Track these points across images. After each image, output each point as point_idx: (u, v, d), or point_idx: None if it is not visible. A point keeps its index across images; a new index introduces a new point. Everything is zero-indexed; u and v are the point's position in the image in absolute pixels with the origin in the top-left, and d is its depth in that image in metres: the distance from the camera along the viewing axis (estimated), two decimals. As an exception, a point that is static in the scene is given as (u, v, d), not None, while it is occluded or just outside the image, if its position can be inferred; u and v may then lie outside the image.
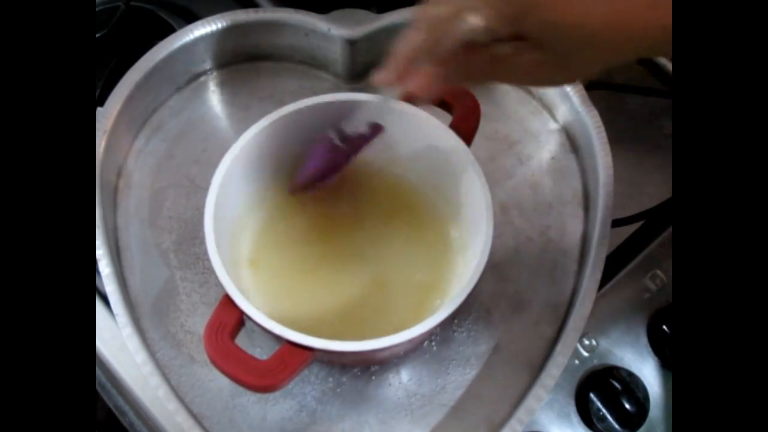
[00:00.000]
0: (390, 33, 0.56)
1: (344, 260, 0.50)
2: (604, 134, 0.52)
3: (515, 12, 0.34)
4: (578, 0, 0.33)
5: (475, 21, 0.35)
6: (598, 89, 0.59)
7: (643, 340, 0.51)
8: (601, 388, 0.49)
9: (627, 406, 0.48)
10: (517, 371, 0.48)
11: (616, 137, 0.53)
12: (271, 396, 0.48)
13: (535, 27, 0.34)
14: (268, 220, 0.51)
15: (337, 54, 0.57)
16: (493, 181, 0.46)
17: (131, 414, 0.50)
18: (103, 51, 0.62)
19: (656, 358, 0.50)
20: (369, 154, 0.51)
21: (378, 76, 0.39)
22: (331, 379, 0.49)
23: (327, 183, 0.49)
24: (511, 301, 0.51)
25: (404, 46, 0.38)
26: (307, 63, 0.59)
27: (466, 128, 0.47)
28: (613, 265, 0.53)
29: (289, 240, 0.50)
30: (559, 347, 0.46)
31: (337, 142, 0.48)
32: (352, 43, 0.55)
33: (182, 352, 0.49)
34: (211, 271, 0.42)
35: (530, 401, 0.45)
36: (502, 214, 0.54)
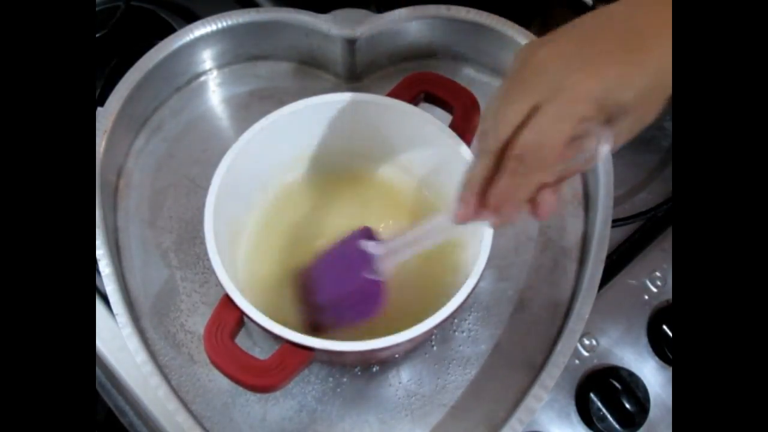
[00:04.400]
0: (390, 33, 0.56)
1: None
2: (604, 134, 0.52)
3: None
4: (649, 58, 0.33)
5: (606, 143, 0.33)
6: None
7: (643, 340, 0.51)
8: (601, 388, 0.49)
9: (627, 406, 0.48)
10: (517, 371, 0.48)
11: (616, 137, 0.52)
12: (271, 396, 0.48)
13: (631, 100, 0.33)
14: (268, 219, 0.51)
15: (337, 54, 0.57)
16: (493, 181, 0.46)
17: (131, 414, 0.50)
18: (103, 51, 0.62)
19: (656, 358, 0.50)
20: (369, 154, 0.51)
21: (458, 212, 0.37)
22: (331, 379, 0.49)
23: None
24: (511, 301, 0.51)
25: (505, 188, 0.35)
26: (307, 63, 0.59)
27: (466, 128, 0.47)
28: (613, 265, 0.53)
29: (288, 240, 0.50)
30: (559, 347, 0.46)
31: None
32: (352, 43, 0.55)
33: (182, 352, 0.49)
34: (211, 271, 0.42)
35: (530, 401, 0.45)
36: (502, 214, 0.54)
